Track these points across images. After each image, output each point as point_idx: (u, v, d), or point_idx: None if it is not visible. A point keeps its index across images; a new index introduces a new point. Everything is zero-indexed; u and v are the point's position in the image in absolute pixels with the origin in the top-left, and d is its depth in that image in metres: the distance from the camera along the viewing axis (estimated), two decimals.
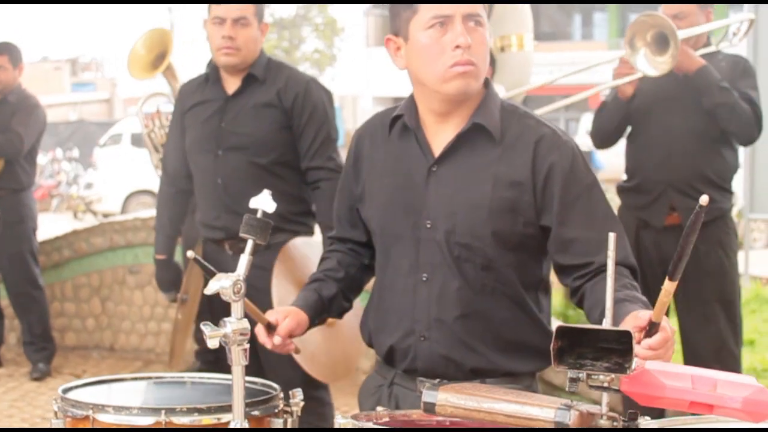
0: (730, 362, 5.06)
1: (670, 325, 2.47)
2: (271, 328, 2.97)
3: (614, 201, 6.32)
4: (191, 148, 4.79)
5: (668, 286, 2.32)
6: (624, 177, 5.62)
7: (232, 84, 4.68)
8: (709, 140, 5.21)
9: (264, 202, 2.85)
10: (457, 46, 2.77)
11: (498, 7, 5.73)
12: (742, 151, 10.21)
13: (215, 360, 5.45)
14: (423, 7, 2.81)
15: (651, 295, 5.46)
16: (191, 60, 7.74)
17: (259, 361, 4.20)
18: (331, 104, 4.75)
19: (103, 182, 22.76)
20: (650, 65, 4.96)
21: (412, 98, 2.97)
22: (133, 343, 8.42)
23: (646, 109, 5.26)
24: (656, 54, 4.94)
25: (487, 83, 2.92)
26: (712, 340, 5.14)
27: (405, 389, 2.94)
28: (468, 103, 2.88)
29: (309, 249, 4.52)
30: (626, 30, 5.16)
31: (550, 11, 42.99)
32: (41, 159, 25.36)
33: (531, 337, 2.91)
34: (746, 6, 10.37)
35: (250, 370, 3.00)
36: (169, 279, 5.09)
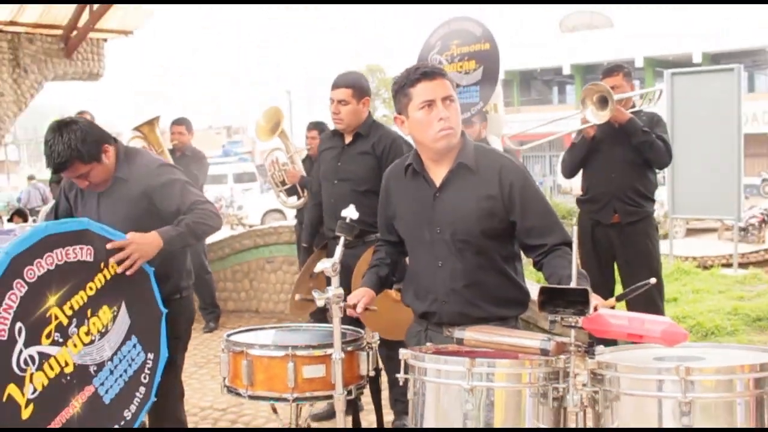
0: (655, 312, 5.02)
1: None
2: (354, 307, 2.98)
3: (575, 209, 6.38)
4: (322, 177, 4.84)
5: (613, 302, 2.43)
6: (579, 193, 5.61)
7: (348, 137, 4.70)
8: (638, 166, 5.22)
9: (351, 212, 2.92)
10: (441, 119, 2.81)
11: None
12: (668, 174, 10.22)
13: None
14: (415, 95, 2.84)
15: (602, 270, 5.47)
16: (304, 124, 7.78)
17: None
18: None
19: (249, 205, 23.06)
20: (595, 117, 5.05)
21: (416, 152, 3.00)
22: (270, 308, 8.47)
23: (596, 147, 5.28)
24: (599, 109, 5.02)
25: (462, 134, 2.95)
26: (645, 299, 5.07)
27: (435, 333, 2.95)
28: (453, 150, 2.90)
29: None
30: (580, 92, 5.21)
31: (538, 85, 42.69)
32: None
33: (513, 293, 2.94)
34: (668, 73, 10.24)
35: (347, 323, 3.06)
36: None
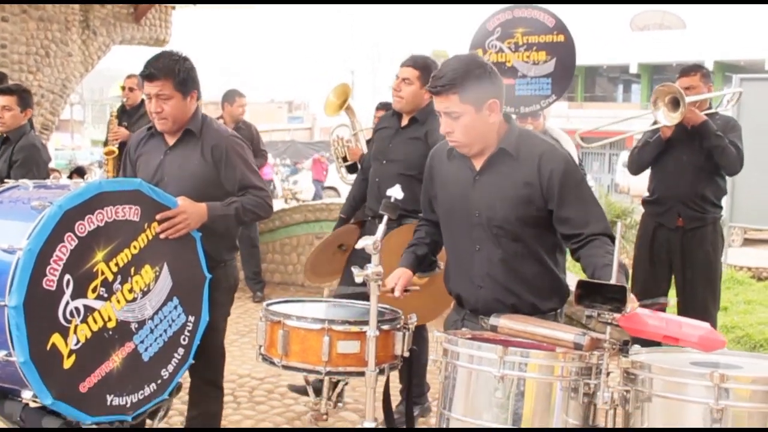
0: (709, 322, 4.94)
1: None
2: (392, 290, 3.01)
3: (639, 210, 6.19)
4: (372, 156, 4.88)
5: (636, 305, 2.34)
6: (646, 194, 5.50)
7: (404, 119, 4.71)
8: (707, 171, 5.08)
9: (396, 192, 2.92)
10: (446, 132, 2.84)
11: None
12: (729, 181, 9.98)
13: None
14: (435, 104, 2.85)
15: (655, 271, 5.28)
16: (367, 104, 7.73)
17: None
18: None
19: (304, 180, 23.24)
20: (666, 118, 4.90)
21: None
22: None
23: (666, 149, 5.14)
24: (671, 111, 4.87)
25: (508, 119, 2.92)
26: (700, 308, 5.00)
27: (471, 323, 2.94)
28: (496, 136, 2.88)
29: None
30: (652, 93, 5.07)
31: (603, 82, 42.08)
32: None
33: (550, 284, 2.90)
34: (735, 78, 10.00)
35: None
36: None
